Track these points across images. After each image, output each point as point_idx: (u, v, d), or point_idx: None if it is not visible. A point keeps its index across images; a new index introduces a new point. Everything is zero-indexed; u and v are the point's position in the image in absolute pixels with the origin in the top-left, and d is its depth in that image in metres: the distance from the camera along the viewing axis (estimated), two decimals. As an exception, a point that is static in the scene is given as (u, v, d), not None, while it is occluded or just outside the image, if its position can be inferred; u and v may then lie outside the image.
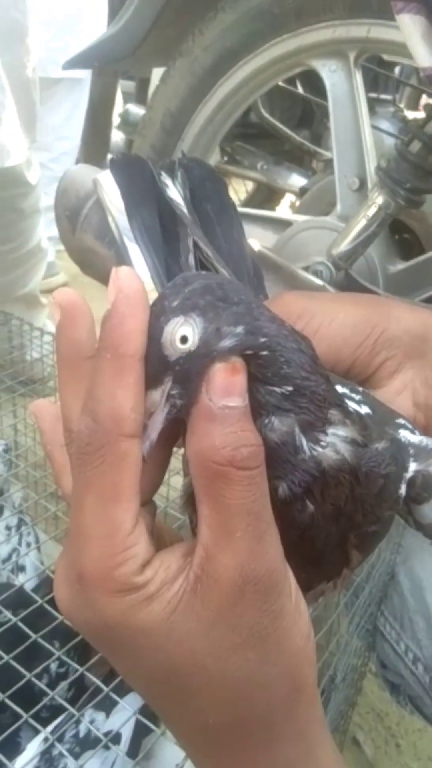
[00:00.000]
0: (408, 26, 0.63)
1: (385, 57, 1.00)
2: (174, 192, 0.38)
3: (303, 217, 1.01)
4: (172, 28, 1.03)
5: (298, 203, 2.31)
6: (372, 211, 0.81)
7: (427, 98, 1.74)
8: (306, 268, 0.90)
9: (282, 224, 1.04)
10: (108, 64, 1.15)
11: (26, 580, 0.76)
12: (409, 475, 0.32)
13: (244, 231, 0.40)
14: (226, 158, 1.96)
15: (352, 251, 0.84)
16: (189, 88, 1.02)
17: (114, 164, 0.38)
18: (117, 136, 3.20)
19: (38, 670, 0.56)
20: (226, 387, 0.25)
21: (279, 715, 0.27)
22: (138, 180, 0.38)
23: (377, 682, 0.82)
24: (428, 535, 0.33)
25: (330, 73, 0.93)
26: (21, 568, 0.85)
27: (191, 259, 0.37)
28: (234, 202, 0.42)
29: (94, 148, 2.76)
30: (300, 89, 1.79)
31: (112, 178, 0.88)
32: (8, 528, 0.89)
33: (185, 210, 0.37)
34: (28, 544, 0.87)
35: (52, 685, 0.67)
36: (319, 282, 0.84)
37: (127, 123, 2.69)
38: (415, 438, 0.33)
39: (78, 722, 0.61)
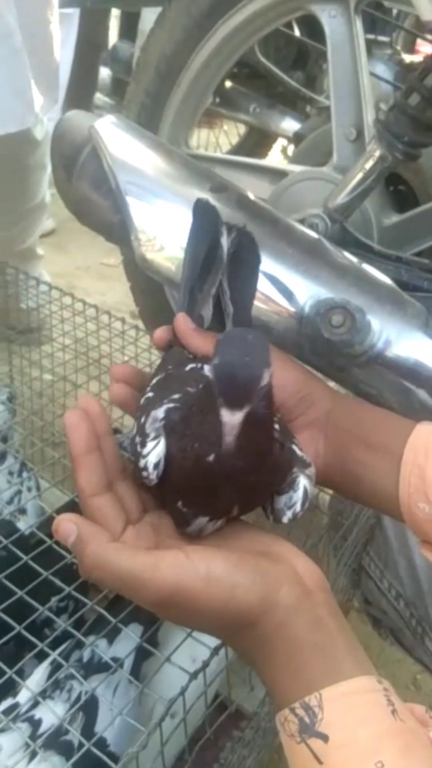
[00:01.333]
0: (412, -23, 0.63)
1: (386, 3, 0.98)
2: (224, 240, 0.56)
3: (299, 167, 1.01)
4: (167, -34, 1.01)
5: (291, 149, 2.28)
6: (369, 164, 0.81)
7: (423, 41, 1.70)
8: (302, 221, 0.90)
9: (277, 174, 1.04)
10: (100, 3, 1.11)
11: (32, 525, 0.79)
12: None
13: (254, 297, 0.60)
14: (217, 100, 1.91)
15: (348, 204, 0.85)
16: (185, 31, 1.00)
17: (197, 206, 0.58)
18: (104, 73, 3.10)
19: (51, 603, 0.59)
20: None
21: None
22: (206, 222, 0.57)
23: (360, 617, 0.87)
24: (276, 519, 0.45)
25: (330, 18, 0.92)
26: (23, 511, 0.89)
27: (213, 290, 0.56)
28: (258, 270, 0.61)
29: (82, 86, 2.67)
30: (297, 31, 1.74)
31: (110, 126, 0.89)
32: (11, 473, 0.92)
33: (224, 256, 0.56)
34: (29, 489, 0.91)
35: (52, 619, 0.71)
36: (314, 235, 0.85)
37: (115, 60, 2.60)
38: (299, 452, 0.46)
39: (81, 648, 0.65)
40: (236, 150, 2.48)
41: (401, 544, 0.68)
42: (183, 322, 0.53)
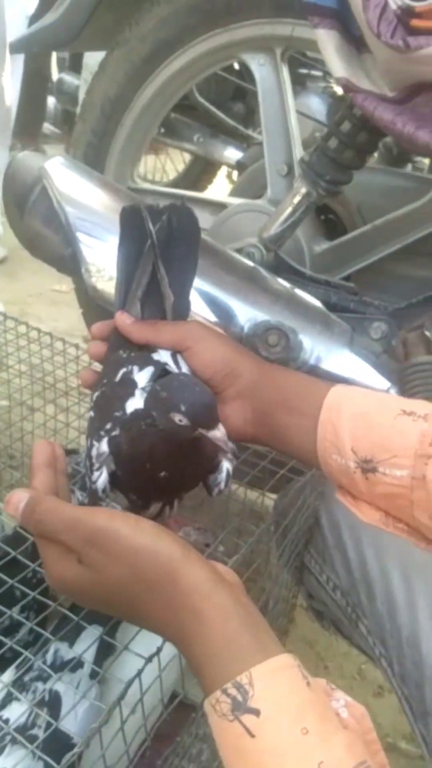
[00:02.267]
0: (323, 40, 0.72)
1: (309, 53, 1.08)
2: (150, 226, 0.60)
3: (237, 200, 1.09)
4: (108, 18, 1.08)
5: (234, 175, 2.37)
6: (297, 199, 0.90)
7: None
8: (239, 250, 0.98)
9: (217, 206, 1.12)
10: (47, 49, 1.18)
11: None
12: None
13: (194, 274, 0.63)
14: (163, 130, 1.99)
15: (280, 234, 0.93)
16: (126, 76, 1.08)
17: (122, 213, 0.62)
18: (50, 103, 3.16)
19: (15, 611, 0.64)
20: None
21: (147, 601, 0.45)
22: (133, 224, 0.61)
23: (307, 614, 0.94)
24: (209, 493, 0.56)
25: (259, 66, 1.01)
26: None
27: (140, 287, 0.60)
28: (197, 247, 0.63)
29: (30, 117, 2.72)
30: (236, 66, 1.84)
31: (58, 166, 0.97)
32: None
33: (154, 241, 0.59)
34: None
35: (14, 627, 0.75)
36: (250, 264, 0.93)
37: (61, 92, 2.67)
38: (221, 440, 0.51)
39: (44, 653, 0.70)
40: (182, 177, 2.57)
41: (336, 540, 0.75)
42: (121, 318, 0.60)
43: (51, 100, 3.11)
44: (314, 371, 0.82)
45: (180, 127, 2.02)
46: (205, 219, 1.14)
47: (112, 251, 0.90)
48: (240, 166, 1.72)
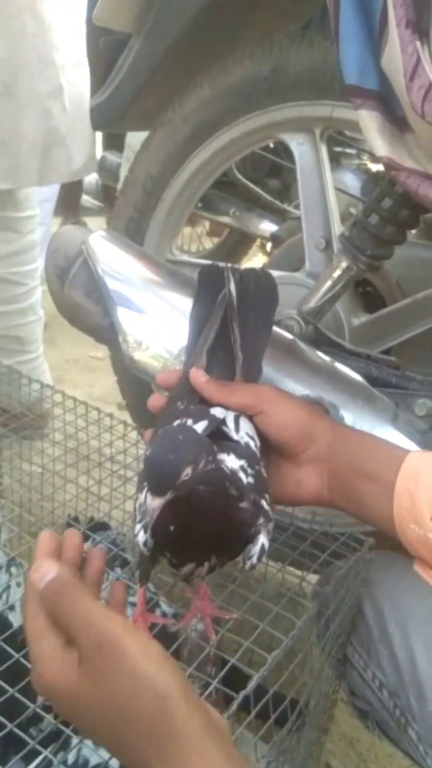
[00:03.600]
0: (366, 120, 0.72)
1: (347, 133, 1.10)
2: (232, 286, 0.61)
3: (275, 272, 1.09)
4: (153, 99, 1.13)
5: (269, 248, 2.41)
6: (337, 273, 0.89)
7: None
8: (278, 322, 0.98)
9: (255, 278, 1.12)
10: (95, 129, 1.23)
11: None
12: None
13: (268, 338, 0.66)
14: (200, 204, 2.05)
15: (320, 308, 0.92)
16: (169, 154, 1.11)
17: (201, 272, 0.65)
18: (92, 178, 3.31)
19: (40, 702, 0.60)
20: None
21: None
22: (210, 284, 0.63)
23: (348, 709, 0.87)
24: (244, 566, 0.53)
25: (298, 145, 1.03)
26: (11, 608, 0.89)
27: (212, 334, 0.61)
28: (273, 312, 0.67)
29: (70, 191, 2.85)
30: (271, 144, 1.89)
31: (100, 240, 0.98)
32: (-1, 567, 0.93)
33: (233, 301, 0.61)
34: (18, 585, 0.91)
35: (38, 718, 0.71)
36: (289, 336, 0.92)
37: (103, 169, 2.79)
38: (266, 507, 0.53)
39: (66, 750, 0.65)
40: (218, 248, 2.63)
41: (382, 633, 0.70)
42: (196, 374, 0.60)
43: (92, 176, 3.26)
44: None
45: (216, 202, 2.08)
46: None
47: (150, 322, 0.91)
48: (275, 238, 1.75)
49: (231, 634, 0.58)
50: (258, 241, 2.62)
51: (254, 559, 0.53)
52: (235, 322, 0.60)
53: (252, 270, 0.64)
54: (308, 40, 0.95)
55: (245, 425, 0.57)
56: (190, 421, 0.54)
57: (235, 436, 0.56)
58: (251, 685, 0.52)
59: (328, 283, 0.90)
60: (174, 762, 0.38)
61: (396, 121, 0.73)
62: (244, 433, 0.57)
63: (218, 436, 0.55)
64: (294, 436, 0.59)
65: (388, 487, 0.54)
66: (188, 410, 0.57)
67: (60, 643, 0.43)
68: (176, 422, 0.54)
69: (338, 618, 0.67)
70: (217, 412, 0.57)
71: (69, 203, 2.96)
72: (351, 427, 0.63)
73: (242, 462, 0.52)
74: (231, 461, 0.52)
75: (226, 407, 0.58)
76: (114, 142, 2.84)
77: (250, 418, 0.59)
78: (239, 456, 0.53)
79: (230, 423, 0.56)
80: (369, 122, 0.72)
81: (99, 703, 0.41)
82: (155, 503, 0.45)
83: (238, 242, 2.56)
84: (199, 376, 0.59)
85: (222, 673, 0.57)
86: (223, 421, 0.56)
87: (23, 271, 1.51)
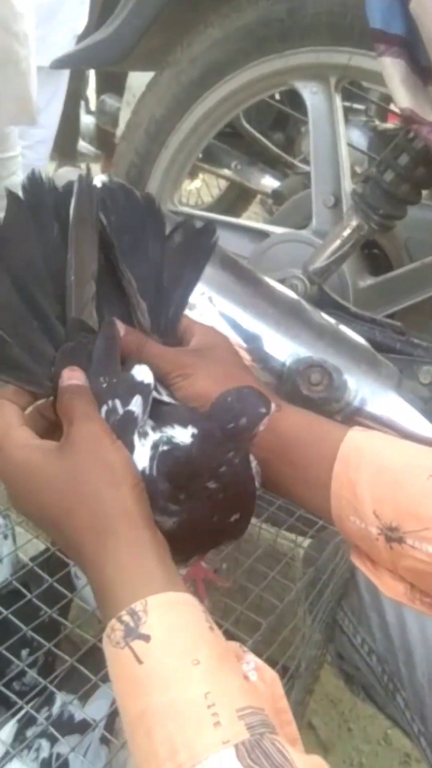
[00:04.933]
0: (389, 68, 0.68)
1: (364, 84, 1.05)
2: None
3: (280, 229, 1.06)
4: (160, 38, 1.06)
5: (270, 203, 2.35)
6: (347, 232, 0.86)
7: (395, 108, 1.81)
8: (282, 280, 0.94)
9: (258, 234, 1.09)
10: (95, 67, 1.17)
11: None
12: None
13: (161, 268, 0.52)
14: (200, 155, 1.98)
15: (326, 268, 0.89)
16: (175, 97, 1.06)
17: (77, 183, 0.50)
18: (90, 122, 3.20)
19: (27, 659, 0.59)
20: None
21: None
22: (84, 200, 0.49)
23: (332, 671, 0.88)
24: None
25: (311, 94, 0.98)
26: (-1, 560, 0.88)
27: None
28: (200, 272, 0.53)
29: (66, 134, 2.75)
30: (277, 96, 1.82)
31: (100, 184, 0.92)
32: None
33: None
34: (5, 537, 0.90)
35: (22, 672, 0.70)
36: (294, 296, 0.89)
37: (102, 113, 2.69)
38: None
39: (51, 704, 0.64)
40: (217, 203, 2.56)
41: (373, 599, 0.70)
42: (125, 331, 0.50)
43: (89, 120, 3.15)
44: (358, 414, 0.77)
45: (218, 154, 2.01)
46: (244, 246, 1.10)
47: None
48: (277, 194, 1.69)
49: (224, 598, 0.57)
50: (258, 197, 2.56)
51: None
52: (121, 258, 0.48)
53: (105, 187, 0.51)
54: (329, -21, 0.90)
55: (163, 389, 0.48)
56: (119, 403, 0.44)
57: (165, 398, 0.47)
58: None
59: (337, 242, 0.87)
60: (116, 532, 0.40)
61: (420, 71, 0.69)
62: (164, 391, 0.48)
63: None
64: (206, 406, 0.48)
65: (322, 473, 0.46)
66: (113, 387, 0.46)
67: (32, 434, 0.45)
68: (104, 408, 0.45)
69: (332, 584, 0.66)
70: (141, 374, 0.46)
71: (65, 147, 2.86)
72: (289, 405, 0.51)
73: (192, 429, 0.42)
74: (181, 433, 0.42)
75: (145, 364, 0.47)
76: (113, 85, 2.74)
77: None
78: (183, 422, 0.43)
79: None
80: (392, 71, 0.68)
81: (58, 480, 0.42)
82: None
83: (238, 197, 2.49)
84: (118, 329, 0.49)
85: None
86: (150, 386, 0.46)
87: None
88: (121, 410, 0.44)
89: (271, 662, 0.58)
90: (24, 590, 0.65)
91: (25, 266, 0.48)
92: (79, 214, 0.49)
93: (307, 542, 0.79)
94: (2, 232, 0.48)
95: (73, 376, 0.46)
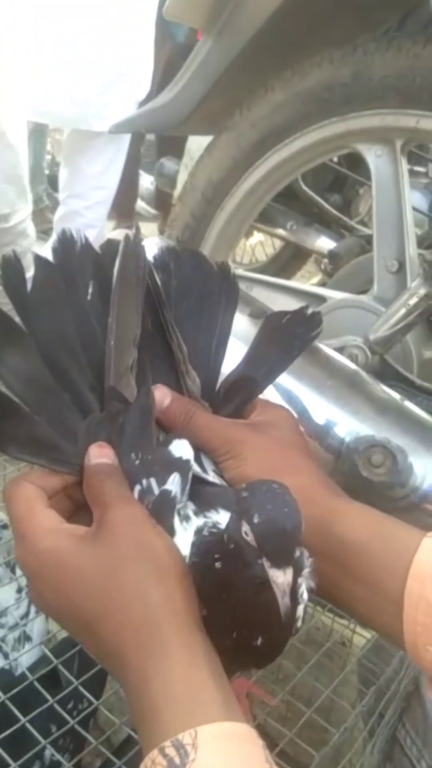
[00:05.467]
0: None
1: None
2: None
3: (338, 294, 1.01)
4: (219, 102, 1.06)
5: (325, 265, 2.33)
6: (413, 300, 0.80)
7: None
8: (340, 349, 0.89)
9: (316, 298, 1.04)
10: (155, 131, 1.17)
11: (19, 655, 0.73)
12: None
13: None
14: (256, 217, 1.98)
15: (389, 337, 0.83)
16: (233, 161, 1.04)
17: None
18: (148, 184, 3.29)
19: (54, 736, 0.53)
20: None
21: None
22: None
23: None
24: None
25: (375, 157, 0.94)
26: (28, 638, 0.82)
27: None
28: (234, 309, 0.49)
29: (124, 195, 2.83)
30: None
31: (154, 247, 0.88)
32: (19, 591, 0.86)
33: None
34: (37, 612, 0.85)
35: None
36: (353, 366, 0.83)
37: (160, 175, 2.75)
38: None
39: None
40: (272, 262, 2.55)
41: (442, 720, 0.61)
42: (161, 396, 0.45)
43: (148, 181, 3.23)
44: (425, 500, 0.70)
45: (274, 214, 2.00)
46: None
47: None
48: (333, 255, 1.66)
49: (272, 721, 0.49)
50: (312, 257, 2.54)
51: (299, 623, 0.39)
52: (172, 322, 0.45)
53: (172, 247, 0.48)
54: (396, 44, 0.87)
55: (210, 464, 0.43)
56: (154, 483, 0.40)
57: (211, 476, 0.43)
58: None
59: (402, 311, 0.81)
60: (164, 641, 0.34)
61: None
62: (210, 467, 0.43)
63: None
64: None
65: (392, 594, 0.38)
66: (147, 465, 0.41)
67: (59, 518, 0.39)
68: (137, 488, 0.40)
69: (395, 703, 0.58)
70: (180, 450, 0.42)
71: (123, 208, 2.93)
72: (351, 500, 0.44)
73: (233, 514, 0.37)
74: (226, 519, 0.37)
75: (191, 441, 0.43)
76: (171, 148, 2.81)
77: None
78: (226, 506, 0.39)
79: (194, 463, 0.42)
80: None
81: (94, 573, 0.36)
82: (287, 576, 0.33)
83: (293, 256, 2.48)
84: (162, 398, 0.44)
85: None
86: (188, 462, 0.41)
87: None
88: (156, 490, 0.40)
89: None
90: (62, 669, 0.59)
91: (55, 335, 0.45)
92: (123, 275, 0.46)
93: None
94: (30, 300, 0.44)
95: (101, 454, 0.41)
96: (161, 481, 0.40)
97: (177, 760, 0.30)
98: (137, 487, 0.40)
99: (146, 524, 0.38)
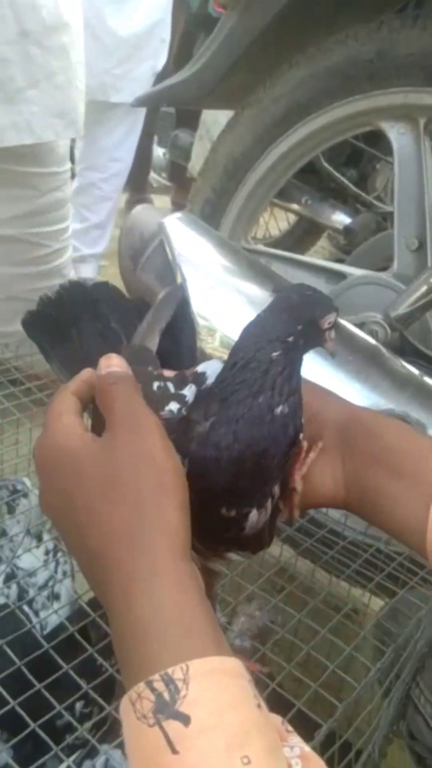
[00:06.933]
0: None
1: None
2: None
3: (358, 270, 1.02)
4: (242, 77, 1.06)
5: (340, 241, 2.32)
6: (434, 278, 0.82)
7: None
8: (360, 325, 0.91)
9: (335, 275, 1.06)
10: (176, 105, 1.18)
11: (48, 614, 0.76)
12: None
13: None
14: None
15: (409, 314, 0.85)
16: (255, 136, 1.05)
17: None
18: (161, 155, 3.27)
19: (68, 702, 0.57)
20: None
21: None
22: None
23: (398, 743, 0.82)
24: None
25: (398, 135, 0.95)
26: (56, 597, 0.86)
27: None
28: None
29: (139, 168, 2.82)
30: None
31: (177, 223, 0.91)
32: (47, 553, 0.90)
33: None
34: (65, 573, 0.88)
35: (77, 722, 0.68)
36: (373, 342, 0.85)
37: (175, 147, 2.74)
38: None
39: (94, 757, 0.61)
40: (285, 236, 2.55)
41: (455, 680, 0.64)
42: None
43: (162, 154, 3.21)
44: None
45: (289, 189, 2.00)
46: (320, 286, 1.07)
47: (224, 315, 0.86)
48: (348, 231, 1.67)
49: (294, 670, 0.52)
50: (326, 233, 2.53)
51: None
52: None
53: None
54: (422, 22, 0.87)
55: None
56: (171, 385, 0.43)
57: None
58: (321, 733, 0.46)
59: (423, 288, 0.83)
60: (156, 558, 0.32)
61: None
62: None
63: None
64: None
65: (422, 487, 0.41)
66: (163, 377, 0.45)
67: (83, 424, 0.39)
68: (156, 384, 0.43)
69: (411, 662, 0.61)
70: (201, 366, 0.45)
71: (137, 179, 2.93)
72: (373, 410, 0.48)
73: None
74: None
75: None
76: (187, 120, 2.79)
77: None
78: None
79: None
80: None
81: (93, 477, 0.35)
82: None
83: (307, 231, 2.47)
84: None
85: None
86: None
87: (43, 231, 1.38)
88: (172, 390, 0.42)
89: (346, 747, 0.54)
90: (84, 643, 0.62)
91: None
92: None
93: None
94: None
95: (111, 364, 0.40)
96: (178, 387, 0.42)
97: (166, 696, 0.28)
98: (156, 383, 0.43)
99: (157, 434, 0.36)
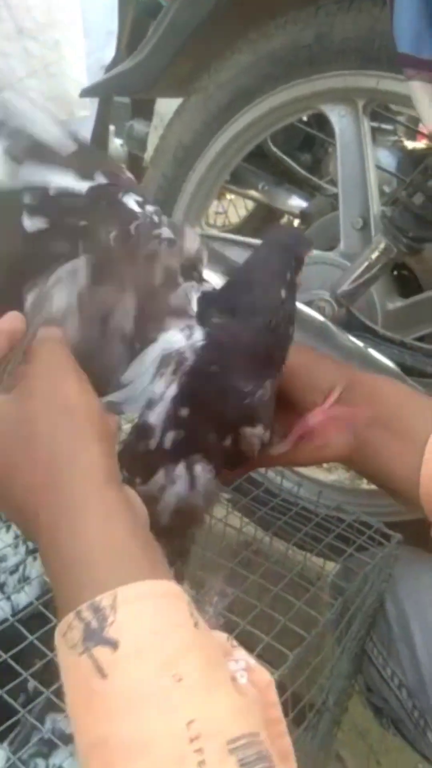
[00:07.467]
0: (418, 92, 0.68)
1: (392, 107, 1.04)
2: None
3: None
4: (187, 65, 1.08)
5: (296, 224, 2.35)
6: (375, 255, 0.85)
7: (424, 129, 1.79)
8: (309, 302, 0.94)
9: (286, 256, 1.08)
10: (124, 94, 1.19)
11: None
12: None
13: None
14: (228, 177, 2.00)
15: (354, 290, 0.89)
16: (202, 122, 1.07)
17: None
18: (118, 145, 3.25)
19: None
20: None
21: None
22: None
23: (360, 700, 0.86)
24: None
25: (339, 117, 0.98)
26: (26, 579, 0.88)
27: None
28: None
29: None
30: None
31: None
32: (16, 537, 0.92)
33: None
34: (35, 558, 0.90)
35: (29, 701, 0.69)
36: (321, 318, 0.88)
37: (131, 138, 2.73)
38: None
39: (42, 724, 0.64)
40: (245, 223, 2.57)
41: (403, 632, 0.68)
42: None
43: (119, 144, 3.20)
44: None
45: (245, 175, 2.02)
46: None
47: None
48: (304, 215, 1.69)
49: (250, 626, 0.55)
50: (285, 217, 2.56)
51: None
52: None
53: None
54: (357, 5, 0.90)
55: None
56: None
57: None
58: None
59: (365, 264, 0.86)
60: (75, 497, 0.33)
61: (450, 94, 0.69)
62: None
63: None
64: (295, 380, 0.49)
65: (416, 443, 0.44)
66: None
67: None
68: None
69: (361, 615, 0.65)
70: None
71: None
72: (366, 372, 0.52)
73: None
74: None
75: None
76: (141, 111, 2.78)
77: None
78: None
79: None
80: (422, 94, 0.68)
81: (9, 426, 0.35)
82: None
83: (265, 217, 2.50)
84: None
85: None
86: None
87: None
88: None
89: (298, 696, 0.57)
90: (51, 616, 0.65)
91: None
92: None
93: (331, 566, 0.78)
94: None
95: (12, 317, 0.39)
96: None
97: (94, 624, 0.28)
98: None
99: (70, 377, 0.37)
